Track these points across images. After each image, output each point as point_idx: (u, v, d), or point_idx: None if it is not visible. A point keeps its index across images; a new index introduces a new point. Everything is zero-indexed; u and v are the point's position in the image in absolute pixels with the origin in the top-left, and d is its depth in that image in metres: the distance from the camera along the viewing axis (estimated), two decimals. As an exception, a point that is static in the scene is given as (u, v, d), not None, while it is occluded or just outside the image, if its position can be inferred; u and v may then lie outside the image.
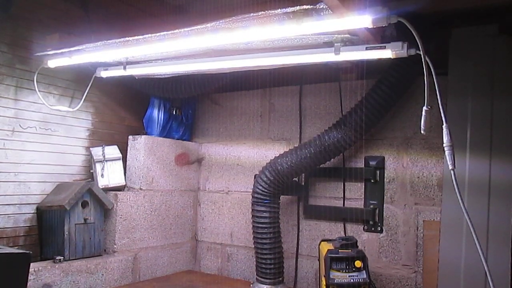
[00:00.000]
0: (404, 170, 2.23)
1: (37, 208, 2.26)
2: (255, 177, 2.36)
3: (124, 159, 2.61)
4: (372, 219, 2.28)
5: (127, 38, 1.81)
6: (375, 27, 1.43)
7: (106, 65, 2.35)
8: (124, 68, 2.26)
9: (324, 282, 1.92)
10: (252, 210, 2.32)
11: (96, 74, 2.38)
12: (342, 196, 2.40)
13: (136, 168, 2.60)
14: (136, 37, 1.78)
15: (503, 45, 1.87)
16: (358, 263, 1.91)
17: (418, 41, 1.46)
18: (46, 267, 2.04)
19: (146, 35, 1.75)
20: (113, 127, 2.71)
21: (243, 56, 1.93)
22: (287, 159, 2.24)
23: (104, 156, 2.48)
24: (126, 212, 2.47)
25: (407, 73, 2.01)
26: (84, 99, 2.46)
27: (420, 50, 1.49)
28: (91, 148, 2.51)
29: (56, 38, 2.18)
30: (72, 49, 2.03)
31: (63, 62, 2.17)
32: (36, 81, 2.23)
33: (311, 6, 1.40)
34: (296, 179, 2.44)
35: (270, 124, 2.71)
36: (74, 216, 2.22)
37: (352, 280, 1.89)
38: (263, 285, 2.28)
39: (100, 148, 2.50)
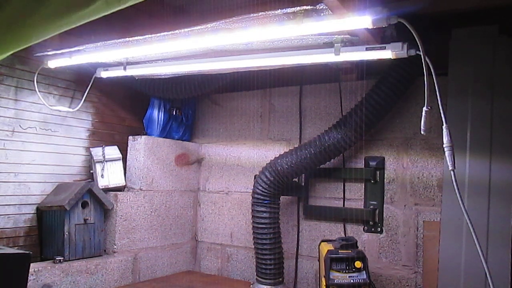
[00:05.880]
0: (404, 171, 2.23)
1: (37, 209, 2.26)
2: (255, 178, 2.36)
3: (124, 160, 2.61)
4: (372, 219, 2.28)
5: (127, 39, 1.81)
6: (375, 27, 1.43)
7: (106, 66, 2.35)
8: (124, 68, 2.26)
9: (324, 283, 1.92)
10: (252, 210, 2.32)
11: (96, 75, 2.39)
12: (342, 196, 2.40)
13: (136, 169, 2.60)
14: (136, 38, 1.78)
15: (503, 45, 1.87)
16: (358, 264, 1.91)
17: (418, 41, 1.46)
18: (46, 268, 2.04)
19: (146, 36, 1.75)
20: (113, 128, 2.71)
21: (243, 56, 1.94)
22: (287, 159, 2.24)
23: (104, 156, 2.48)
24: (126, 213, 2.47)
25: (407, 74, 2.02)
26: (84, 100, 2.46)
27: (420, 51, 1.49)
28: (91, 149, 2.51)
29: (56, 39, 2.18)
30: (72, 49, 2.03)
31: (63, 62, 2.17)
32: (36, 82, 2.23)
33: (311, 7, 1.40)
34: (296, 179, 2.44)
35: (270, 124, 2.71)
36: (74, 216, 2.22)
37: (352, 281, 1.89)
38: (263, 286, 2.28)
39: (100, 149, 2.50)
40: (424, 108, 1.50)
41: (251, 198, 2.34)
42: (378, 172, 2.30)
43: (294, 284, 2.53)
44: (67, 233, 2.18)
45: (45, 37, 0.86)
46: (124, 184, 2.57)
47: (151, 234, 2.62)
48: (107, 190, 2.45)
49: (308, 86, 2.57)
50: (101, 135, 2.62)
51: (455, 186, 1.41)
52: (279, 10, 1.43)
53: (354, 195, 2.37)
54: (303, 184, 2.51)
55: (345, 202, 2.40)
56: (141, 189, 2.58)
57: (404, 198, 2.22)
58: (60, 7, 0.78)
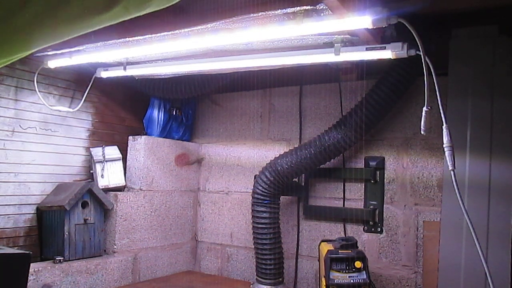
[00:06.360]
0: (404, 171, 2.23)
1: (37, 209, 2.26)
2: (255, 178, 2.36)
3: (124, 160, 2.61)
4: (372, 219, 2.28)
5: (127, 39, 1.81)
6: (375, 27, 1.43)
7: (106, 66, 2.35)
8: (124, 68, 2.26)
9: (324, 283, 1.92)
10: (252, 210, 2.32)
11: (96, 75, 2.38)
12: (342, 196, 2.40)
13: (136, 169, 2.60)
14: (136, 38, 1.78)
15: (503, 45, 1.87)
16: (358, 264, 1.91)
17: (418, 41, 1.46)
18: (46, 268, 2.04)
19: (146, 36, 1.76)
20: (113, 128, 2.71)
21: (243, 56, 1.94)
22: (287, 159, 2.24)
23: (104, 156, 2.48)
24: (126, 213, 2.47)
25: (407, 74, 2.02)
26: (84, 100, 2.46)
27: (420, 51, 1.49)
28: (91, 149, 2.51)
29: (56, 39, 2.18)
30: (72, 49, 2.03)
31: (63, 62, 2.17)
32: (36, 82, 2.23)
33: (311, 7, 1.40)
34: (296, 179, 2.44)
35: (270, 124, 2.71)
36: (74, 216, 2.22)
37: (352, 281, 1.88)
38: (263, 286, 2.28)
39: (100, 149, 2.50)
40: (424, 108, 1.50)
41: (251, 198, 2.34)
42: (378, 172, 2.30)
43: (294, 284, 2.53)
44: (67, 233, 2.18)
45: (60, 40, 0.86)
46: (124, 184, 2.57)
47: (151, 234, 2.62)
48: (107, 190, 2.45)
49: (308, 86, 2.57)
50: (101, 135, 2.62)
51: (455, 186, 1.41)
52: (279, 10, 1.43)
53: (354, 195, 2.37)
54: (303, 184, 2.51)
55: (345, 202, 2.40)
56: (141, 189, 2.58)
57: (404, 198, 2.22)
58: (79, 11, 0.78)
